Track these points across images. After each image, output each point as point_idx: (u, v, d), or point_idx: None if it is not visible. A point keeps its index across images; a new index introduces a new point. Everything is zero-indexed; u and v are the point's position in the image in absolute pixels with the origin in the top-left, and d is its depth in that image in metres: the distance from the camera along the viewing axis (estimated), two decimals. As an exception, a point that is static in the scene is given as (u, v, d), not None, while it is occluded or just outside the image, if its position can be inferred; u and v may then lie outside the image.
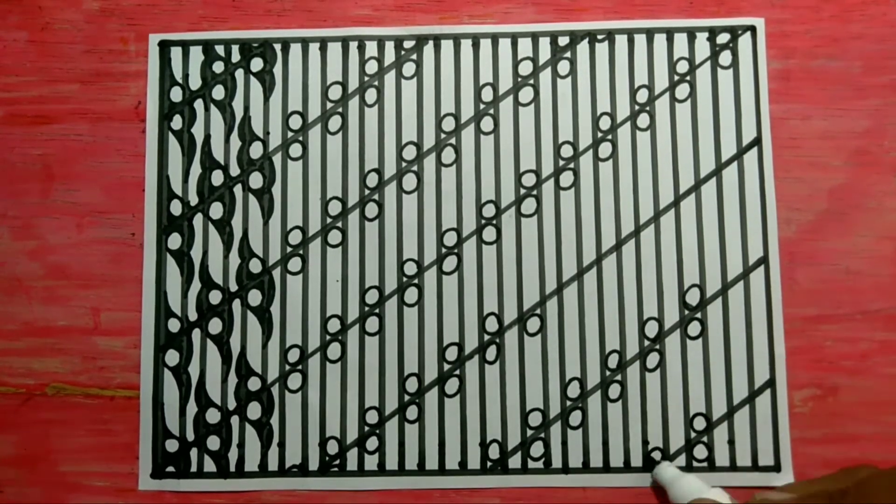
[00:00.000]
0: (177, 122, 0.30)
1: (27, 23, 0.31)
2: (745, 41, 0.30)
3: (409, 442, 0.29)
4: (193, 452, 0.29)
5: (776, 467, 0.28)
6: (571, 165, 0.30)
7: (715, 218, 0.29)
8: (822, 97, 0.30)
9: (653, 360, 0.29)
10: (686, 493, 0.26)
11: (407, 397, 0.29)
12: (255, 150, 0.30)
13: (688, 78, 0.30)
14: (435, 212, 0.30)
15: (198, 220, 0.30)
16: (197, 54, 0.31)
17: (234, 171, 0.30)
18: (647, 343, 0.29)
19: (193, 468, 0.29)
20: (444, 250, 0.30)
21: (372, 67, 0.31)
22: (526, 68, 0.30)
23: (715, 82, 0.30)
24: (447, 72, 0.30)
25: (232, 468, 0.29)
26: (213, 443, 0.29)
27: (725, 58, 0.30)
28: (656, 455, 0.28)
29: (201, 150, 0.30)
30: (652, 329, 0.29)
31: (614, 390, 0.29)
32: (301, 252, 0.30)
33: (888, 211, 0.29)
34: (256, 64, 0.31)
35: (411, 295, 0.29)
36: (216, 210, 0.30)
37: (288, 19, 0.31)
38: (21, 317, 0.30)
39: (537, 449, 0.29)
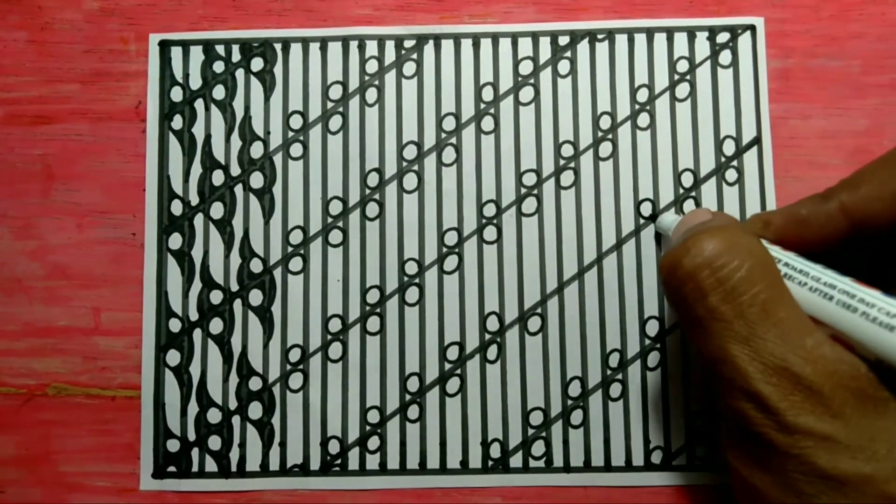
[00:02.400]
0: (177, 122, 0.30)
1: (27, 23, 0.31)
2: (744, 40, 0.30)
3: (411, 441, 0.29)
4: (195, 452, 0.29)
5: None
6: (572, 165, 0.30)
7: (715, 217, 0.30)
8: (821, 96, 0.30)
9: (654, 358, 0.29)
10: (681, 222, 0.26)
11: (408, 397, 0.29)
12: (256, 150, 0.30)
13: (688, 77, 0.30)
14: (436, 211, 0.30)
15: (198, 219, 0.30)
16: (197, 54, 0.31)
17: (235, 170, 0.30)
18: (647, 342, 0.29)
19: (195, 468, 0.29)
20: (444, 250, 0.30)
21: (372, 67, 0.31)
22: (526, 68, 0.30)
23: (715, 81, 0.30)
24: (448, 71, 0.30)
25: (233, 468, 0.29)
26: (215, 443, 0.29)
27: (725, 57, 0.30)
28: (657, 455, 0.29)
29: (202, 150, 0.30)
30: (653, 328, 0.29)
31: (615, 389, 0.29)
32: (302, 252, 0.30)
33: (888, 210, 0.29)
34: (257, 64, 0.31)
35: (412, 294, 0.30)
36: (217, 210, 0.30)
37: (288, 19, 0.31)
38: (21, 317, 0.30)
39: (538, 448, 0.29)
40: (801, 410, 0.18)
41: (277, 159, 0.30)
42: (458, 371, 0.29)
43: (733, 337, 0.20)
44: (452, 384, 0.29)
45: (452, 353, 0.29)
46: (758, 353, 0.19)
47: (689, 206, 0.30)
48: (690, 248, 0.21)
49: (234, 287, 0.30)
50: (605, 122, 0.30)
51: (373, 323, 0.29)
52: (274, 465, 0.29)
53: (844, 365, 0.19)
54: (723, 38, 0.30)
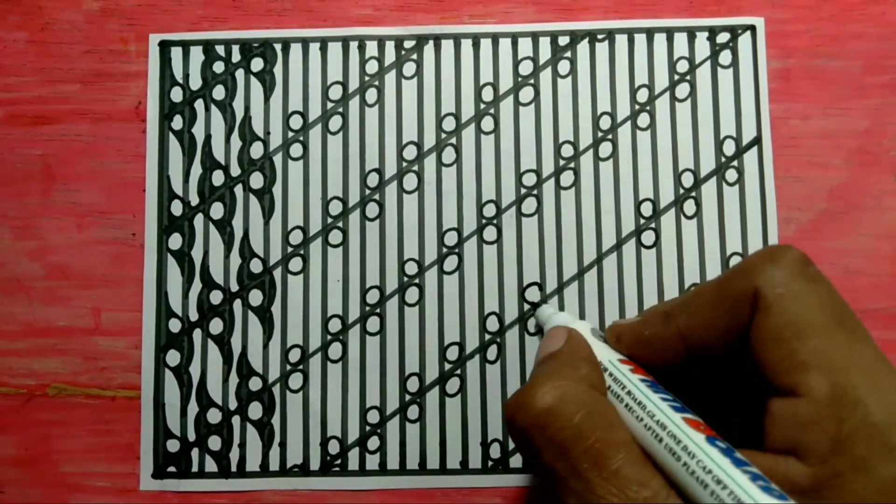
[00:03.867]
0: (177, 123, 0.30)
1: (27, 23, 0.31)
2: (744, 40, 0.30)
3: (411, 441, 0.29)
4: (195, 452, 0.29)
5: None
6: (572, 165, 0.30)
7: (715, 217, 0.30)
8: (821, 96, 0.30)
9: (653, 359, 0.29)
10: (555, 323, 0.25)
11: (408, 397, 0.29)
12: (256, 150, 0.30)
13: (688, 77, 0.30)
14: (436, 211, 0.30)
15: (198, 220, 0.30)
16: (197, 54, 0.31)
17: (235, 171, 0.30)
18: (647, 342, 0.29)
19: (195, 468, 0.29)
20: (444, 250, 0.30)
21: (372, 67, 0.31)
22: (526, 68, 0.30)
23: (715, 82, 0.30)
24: (448, 71, 0.30)
25: (233, 468, 0.29)
26: (215, 443, 0.29)
27: (725, 57, 0.30)
28: None
29: (202, 151, 0.30)
30: (653, 328, 0.29)
31: (615, 389, 0.29)
32: (302, 252, 0.30)
33: (888, 210, 0.29)
34: (257, 64, 0.31)
35: (412, 295, 0.30)
36: (217, 210, 0.30)
37: (288, 19, 0.31)
38: (22, 317, 0.30)
39: (538, 448, 0.29)
40: None
41: (277, 160, 0.30)
42: (458, 371, 0.29)
43: (570, 493, 0.19)
44: (452, 384, 0.29)
45: (452, 354, 0.29)
46: None
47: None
48: (522, 402, 0.21)
49: (234, 287, 0.30)
50: (605, 123, 0.30)
51: (372, 323, 0.29)
52: (274, 465, 0.29)
53: None
54: (723, 38, 0.30)
